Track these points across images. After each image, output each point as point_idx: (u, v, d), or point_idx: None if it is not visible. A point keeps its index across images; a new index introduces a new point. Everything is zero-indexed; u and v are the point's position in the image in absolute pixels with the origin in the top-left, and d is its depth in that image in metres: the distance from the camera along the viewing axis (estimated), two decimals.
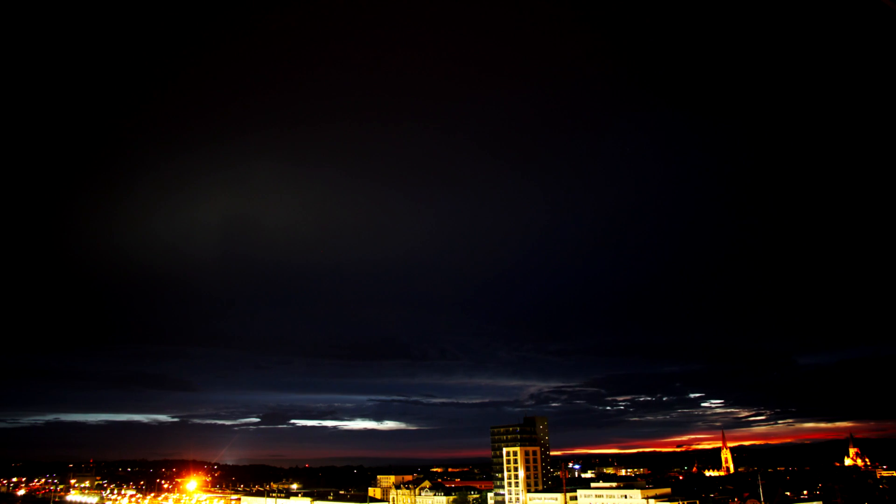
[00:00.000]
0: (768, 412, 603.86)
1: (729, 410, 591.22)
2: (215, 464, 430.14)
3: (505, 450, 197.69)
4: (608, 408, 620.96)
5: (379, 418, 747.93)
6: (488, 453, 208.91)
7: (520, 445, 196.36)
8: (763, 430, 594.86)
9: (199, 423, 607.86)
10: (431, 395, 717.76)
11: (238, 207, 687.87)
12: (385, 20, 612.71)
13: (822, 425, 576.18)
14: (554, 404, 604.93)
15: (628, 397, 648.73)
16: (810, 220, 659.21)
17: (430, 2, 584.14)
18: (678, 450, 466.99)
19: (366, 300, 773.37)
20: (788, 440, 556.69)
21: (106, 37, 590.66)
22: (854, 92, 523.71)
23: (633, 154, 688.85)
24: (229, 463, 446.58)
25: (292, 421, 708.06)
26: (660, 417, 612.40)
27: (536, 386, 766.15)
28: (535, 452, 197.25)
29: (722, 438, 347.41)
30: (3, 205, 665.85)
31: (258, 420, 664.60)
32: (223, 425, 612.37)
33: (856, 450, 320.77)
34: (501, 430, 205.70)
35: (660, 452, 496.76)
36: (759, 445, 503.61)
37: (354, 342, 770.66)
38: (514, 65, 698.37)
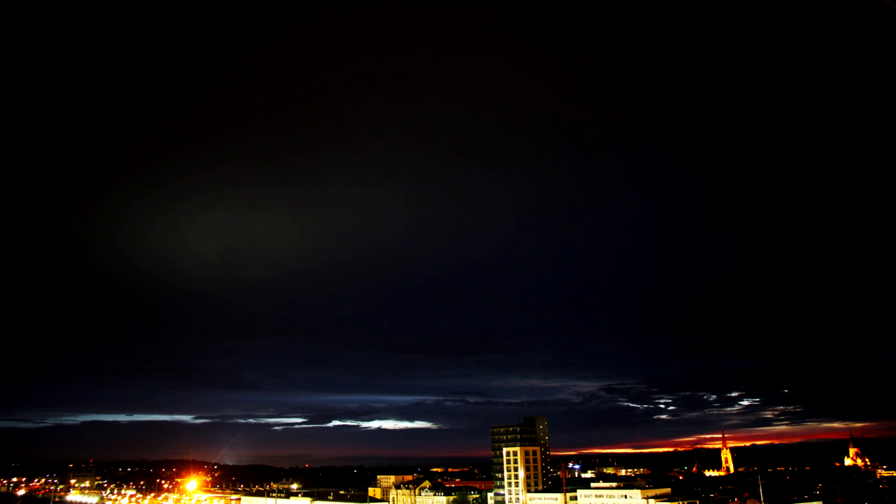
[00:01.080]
0: (800, 410, 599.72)
1: (757, 409, 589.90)
2: (215, 464, 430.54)
3: (505, 450, 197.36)
4: (649, 406, 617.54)
5: (411, 418, 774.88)
6: (489, 453, 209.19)
7: (520, 445, 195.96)
8: (781, 430, 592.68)
9: (233, 423, 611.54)
10: (482, 394, 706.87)
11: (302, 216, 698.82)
12: (369, 35, 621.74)
13: (850, 424, 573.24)
14: (590, 402, 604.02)
15: (673, 396, 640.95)
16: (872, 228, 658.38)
17: (406, 19, 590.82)
18: (680, 449, 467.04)
19: (469, 296, 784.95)
20: (798, 440, 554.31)
21: (113, 58, 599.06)
22: (868, 82, 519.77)
23: (702, 160, 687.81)
24: (229, 463, 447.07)
25: (335, 422, 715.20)
26: (687, 416, 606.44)
27: (584, 385, 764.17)
28: (535, 452, 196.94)
29: (722, 439, 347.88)
30: (60, 215, 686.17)
31: (304, 420, 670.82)
32: (261, 424, 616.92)
33: (856, 450, 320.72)
34: (501, 430, 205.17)
35: (661, 452, 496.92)
36: (761, 445, 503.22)
37: (444, 338, 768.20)
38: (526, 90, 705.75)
